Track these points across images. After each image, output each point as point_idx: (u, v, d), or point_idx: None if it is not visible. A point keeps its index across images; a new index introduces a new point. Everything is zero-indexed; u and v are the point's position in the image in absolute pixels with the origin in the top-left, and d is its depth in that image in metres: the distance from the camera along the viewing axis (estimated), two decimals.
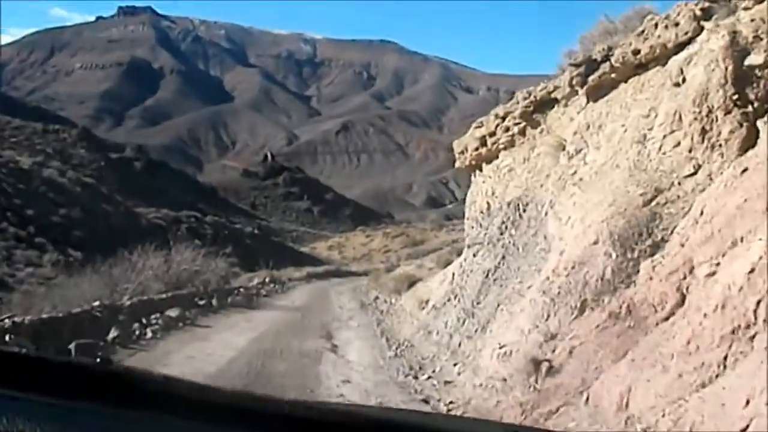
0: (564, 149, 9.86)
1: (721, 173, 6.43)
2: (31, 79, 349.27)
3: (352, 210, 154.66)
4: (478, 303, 9.91)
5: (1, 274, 29.14)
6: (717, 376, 4.21)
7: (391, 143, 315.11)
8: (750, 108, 6.57)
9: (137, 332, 12.13)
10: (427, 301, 14.54)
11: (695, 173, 6.84)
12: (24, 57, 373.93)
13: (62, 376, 1.28)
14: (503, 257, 10.02)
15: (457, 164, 13.77)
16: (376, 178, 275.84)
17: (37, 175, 48.31)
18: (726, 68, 6.65)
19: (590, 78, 9.33)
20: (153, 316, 13.47)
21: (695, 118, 6.98)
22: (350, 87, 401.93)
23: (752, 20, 6.84)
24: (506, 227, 10.41)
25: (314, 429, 1.30)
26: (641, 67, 8.77)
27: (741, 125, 6.55)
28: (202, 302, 17.16)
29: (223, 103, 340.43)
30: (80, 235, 42.44)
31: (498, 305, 8.84)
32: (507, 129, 11.41)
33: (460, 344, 9.58)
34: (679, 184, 6.99)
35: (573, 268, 7.06)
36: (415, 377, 9.56)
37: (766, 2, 6.83)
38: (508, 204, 10.64)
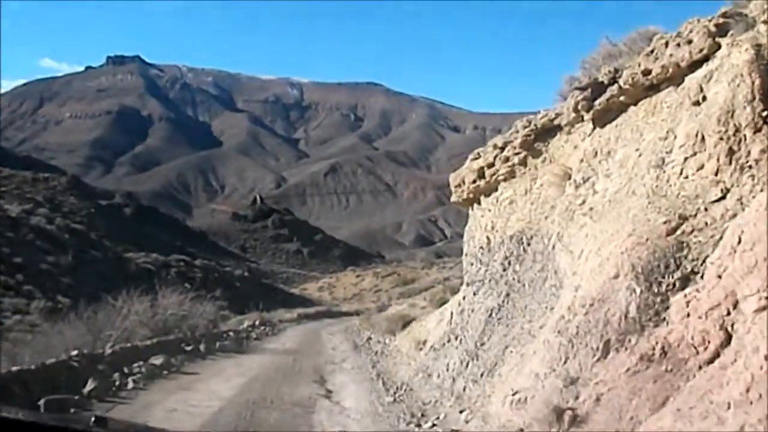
0: (570, 178, 9.29)
1: (754, 197, 5.84)
2: (22, 129, 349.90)
3: (342, 250, 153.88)
4: (482, 344, 9.22)
5: None
6: None
7: (380, 183, 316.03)
8: None
9: (117, 383, 11.28)
10: (424, 342, 13.82)
11: (723, 197, 6.25)
12: (14, 108, 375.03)
13: None
14: (507, 295, 9.36)
15: (454, 198, 13.17)
16: (365, 218, 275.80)
17: (25, 223, 47.66)
18: (752, 83, 6.13)
19: (597, 102, 8.82)
20: (136, 365, 12.64)
21: (720, 138, 6.42)
22: (338, 129, 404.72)
23: None
24: (509, 263, 9.77)
25: None
26: (653, 89, 8.26)
27: None
28: (189, 348, 16.30)
29: (212, 148, 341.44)
30: (68, 282, 41.84)
31: (506, 347, 8.16)
32: (506, 159, 10.86)
33: (465, 388, 8.86)
34: (706, 210, 6.39)
35: (592, 305, 6.41)
36: (418, 425, 8.79)
37: None
38: (511, 238, 10.02)
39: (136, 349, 13.61)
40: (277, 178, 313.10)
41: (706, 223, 6.34)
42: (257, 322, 28.89)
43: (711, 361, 4.70)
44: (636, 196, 7.34)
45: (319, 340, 24.03)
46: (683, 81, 7.85)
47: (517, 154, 10.62)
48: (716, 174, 6.53)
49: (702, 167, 6.70)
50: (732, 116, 6.29)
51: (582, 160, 9.17)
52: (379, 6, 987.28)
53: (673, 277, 6.03)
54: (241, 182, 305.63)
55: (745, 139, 6.16)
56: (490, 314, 9.51)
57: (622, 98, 8.61)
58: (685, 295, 5.66)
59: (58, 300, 36.24)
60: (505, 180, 11.05)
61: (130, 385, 11.45)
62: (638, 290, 6.14)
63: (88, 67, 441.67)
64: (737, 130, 6.24)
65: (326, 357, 17.57)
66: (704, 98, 7.01)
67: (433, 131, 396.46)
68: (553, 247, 8.63)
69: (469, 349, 9.50)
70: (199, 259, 72.56)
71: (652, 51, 8.43)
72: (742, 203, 6.01)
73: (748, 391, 3.92)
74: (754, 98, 6.12)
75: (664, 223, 6.52)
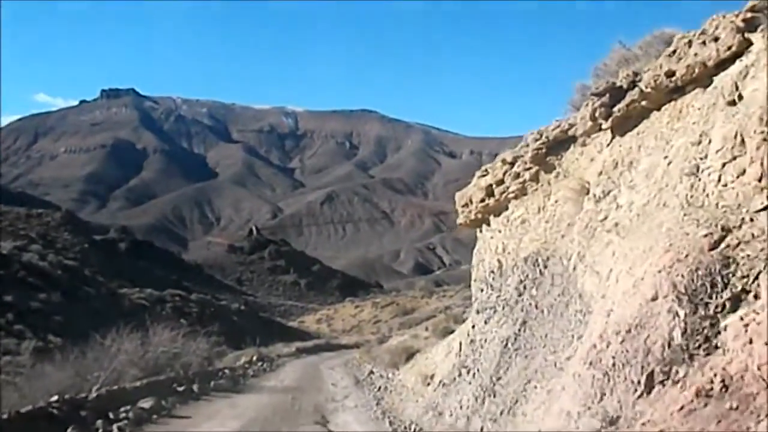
0: (588, 193, 8.54)
1: None
2: (16, 165, 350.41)
3: (340, 281, 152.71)
4: (498, 378, 8.39)
5: None
6: None
7: (376, 211, 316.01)
8: None
9: (100, 431, 10.38)
10: (432, 376, 12.94)
11: None
12: (9, 144, 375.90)
13: None
14: (524, 322, 8.55)
15: (460, 219, 12.37)
16: (362, 247, 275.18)
17: (16, 260, 46.69)
18: None
19: (616, 108, 8.11)
20: (123, 409, 11.73)
21: (764, 139, 5.69)
22: (333, 157, 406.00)
23: None
24: (525, 287, 8.97)
25: None
26: (677, 91, 7.56)
27: None
28: (181, 388, 15.35)
29: (207, 180, 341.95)
30: (60, 320, 40.77)
31: (527, 381, 7.33)
32: (517, 175, 10.11)
33: (482, 429, 8.00)
34: (752, 220, 5.63)
35: (628, 332, 5.61)
36: None
37: None
38: (525, 260, 9.23)
39: (123, 391, 12.67)
40: (273, 208, 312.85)
41: (753, 235, 5.58)
42: (254, 358, 27.93)
43: None
44: (668, 208, 6.59)
45: (319, 376, 23.10)
46: (711, 81, 7.18)
47: (528, 169, 9.87)
48: (760, 180, 5.80)
49: (743, 173, 5.96)
50: None
51: (601, 173, 8.43)
52: (373, 33, 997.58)
53: (721, 297, 5.24)
54: (236, 213, 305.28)
55: None
56: (506, 344, 8.68)
57: (643, 103, 7.90)
58: (742, 318, 4.88)
59: (50, 339, 35.27)
60: (516, 198, 10.29)
61: None
62: (682, 313, 5.35)
63: (82, 101, 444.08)
64: None
65: (327, 394, 16.66)
66: (740, 97, 6.31)
67: (428, 157, 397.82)
68: (574, 268, 7.85)
69: (484, 384, 8.66)
70: (194, 294, 71.53)
71: (674, 52, 7.75)
72: None
73: None
74: None
75: (705, 236, 5.75)
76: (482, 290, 10.87)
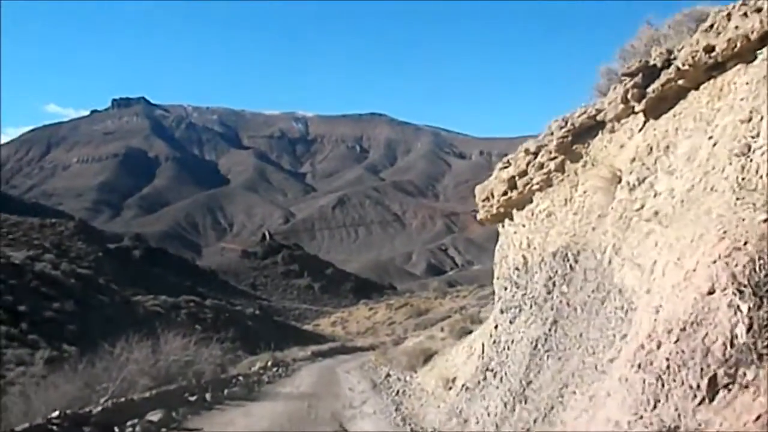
0: (620, 181, 7.92)
1: None
2: (29, 176, 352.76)
3: (353, 284, 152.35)
4: (529, 382, 7.78)
5: None
6: None
7: (388, 214, 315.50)
8: None
9: None
10: (453, 380, 12.34)
11: None
12: (22, 155, 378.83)
13: None
14: (555, 322, 7.94)
15: (481, 214, 11.74)
16: (374, 249, 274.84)
17: (29, 270, 46.47)
18: None
19: (650, 89, 7.48)
20: (129, 423, 11.18)
21: None
22: (344, 161, 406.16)
23: None
24: (554, 284, 8.36)
25: None
26: (717, 68, 6.94)
27: None
28: (193, 398, 14.78)
29: (219, 187, 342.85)
30: (74, 329, 40.48)
31: (563, 386, 6.72)
32: (541, 166, 9.49)
33: None
34: None
35: (683, 330, 5.00)
36: None
37: None
38: (553, 255, 8.61)
39: (131, 403, 12.09)
40: (286, 213, 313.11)
41: None
42: (269, 363, 27.38)
43: None
44: (717, 193, 5.97)
45: (335, 380, 22.51)
46: (755, 56, 6.56)
47: (552, 159, 9.25)
48: None
49: None
50: None
51: (634, 159, 7.82)
52: (380, 37, 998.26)
53: None
54: (249, 219, 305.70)
55: None
56: (536, 345, 8.08)
57: (680, 82, 7.28)
58: None
59: (64, 349, 34.97)
60: (540, 189, 9.67)
61: None
62: (744, 308, 4.74)
63: (93, 111, 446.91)
64: None
65: (344, 400, 16.06)
66: None
67: (438, 159, 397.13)
68: (610, 261, 7.24)
69: (514, 388, 8.06)
70: (209, 299, 71.18)
71: (711, 26, 7.13)
72: None
73: None
74: None
75: (766, 221, 5.15)
76: (506, 288, 10.25)
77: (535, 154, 9.63)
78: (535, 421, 6.93)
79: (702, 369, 4.71)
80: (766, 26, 6.50)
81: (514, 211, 10.62)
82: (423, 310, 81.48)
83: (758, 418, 4.01)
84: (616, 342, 6.05)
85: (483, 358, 10.88)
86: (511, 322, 9.69)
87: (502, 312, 10.27)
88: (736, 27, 6.79)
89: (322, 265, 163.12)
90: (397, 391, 17.02)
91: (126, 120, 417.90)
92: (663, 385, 4.95)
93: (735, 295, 4.80)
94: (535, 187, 9.74)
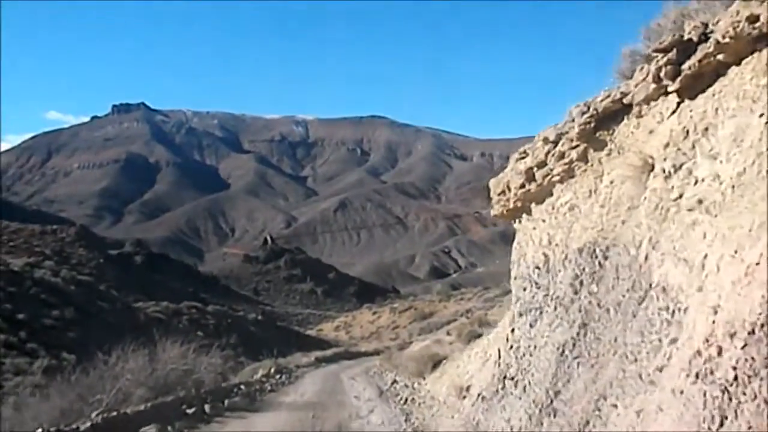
0: (652, 169, 7.19)
1: None
2: (31, 183, 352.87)
3: (357, 287, 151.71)
4: (557, 393, 7.04)
5: None
6: None
7: (390, 217, 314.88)
8: None
9: None
10: (467, 388, 11.59)
11: None
12: (23, 162, 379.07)
13: None
14: (584, 325, 7.20)
15: (495, 210, 10.97)
16: (377, 253, 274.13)
17: (28, 276, 45.82)
18: None
19: (686, 65, 6.76)
20: None
21: None
22: (344, 164, 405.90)
23: None
24: (581, 283, 7.62)
25: None
26: (762, 39, 6.20)
27: None
28: (191, 410, 13.98)
29: (220, 191, 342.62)
30: (74, 337, 39.81)
31: (599, 397, 5.98)
32: (562, 155, 8.75)
33: None
34: None
35: (751, 333, 4.28)
36: None
37: None
38: (580, 252, 7.86)
39: (123, 417, 11.25)
40: (287, 217, 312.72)
41: None
42: (272, 370, 26.65)
43: None
44: None
45: (340, 387, 21.76)
46: None
47: (574, 147, 8.50)
48: None
49: None
50: None
51: (667, 145, 7.08)
52: (380, 39, 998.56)
53: None
54: (251, 224, 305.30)
55: None
56: (562, 351, 7.33)
57: (720, 57, 6.55)
58: None
59: (63, 357, 34.30)
60: (561, 181, 8.92)
61: None
62: None
63: (93, 117, 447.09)
64: None
65: (350, 409, 15.28)
66: None
67: (439, 161, 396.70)
68: (646, 257, 6.50)
69: (539, 399, 7.32)
70: (211, 305, 70.58)
71: None
72: None
73: None
74: None
75: None
76: (525, 289, 9.50)
77: (555, 143, 8.88)
78: None
79: None
80: None
81: (533, 205, 9.87)
82: (427, 314, 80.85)
83: None
84: (663, 347, 5.32)
85: (500, 364, 10.14)
86: (531, 326, 8.95)
87: (520, 315, 9.52)
88: None
89: (324, 269, 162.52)
90: (406, 400, 16.26)
91: (126, 126, 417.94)
92: (730, 399, 4.22)
93: None
94: (556, 178, 8.99)
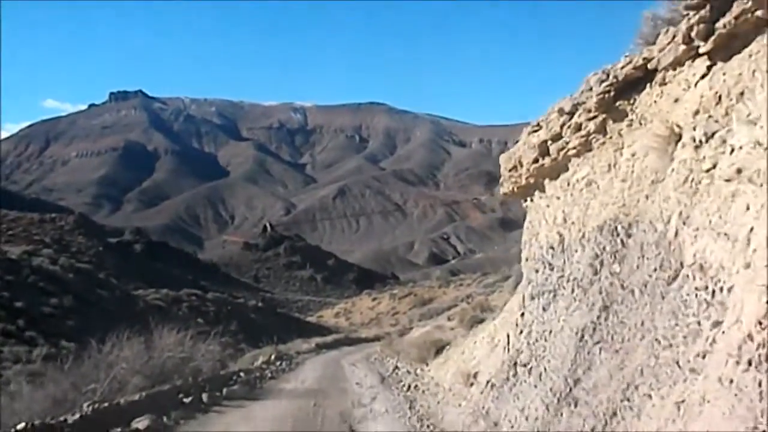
0: (680, 139, 6.64)
1: None
2: (29, 171, 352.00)
3: (356, 274, 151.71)
4: (577, 381, 6.53)
5: None
6: None
7: (389, 203, 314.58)
8: None
9: None
10: (475, 375, 11.09)
11: None
12: (21, 151, 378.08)
13: None
14: (605, 307, 6.67)
15: (506, 187, 10.38)
16: (376, 239, 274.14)
17: (26, 265, 45.36)
18: None
19: (720, 23, 6.19)
20: None
21: None
22: (343, 151, 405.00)
23: None
24: (602, 263, 7.08)
25: None
26: None
27: None
28: (188, 399, 13.45)
29: (219, 179, 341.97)
30: (73, 325, 39.45)
31: (627, 386, 5.46)
32: (578, 127, 8.17)
33: None
34: None
35: None
36: None
37: None
38: (600, 230, 7.31)
39: (116, 408, 10.66)
40: (286, 204, 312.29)
41: None
42: (272, 357, 26.22)
43: None
44: None
45: (341, 374, 21.31)
46: None
47: (592, 118, 7.92)
48: None
49: None
50: None
51: (697, 112, 6.52)
52: (379, 25, 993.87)
53: None
54: (250, 211, 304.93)
55: None
56: (582, 336, 6.81)
57: (758, 13, 5.98)
58: None
59: (62, 345, 33.93)
60: (578, 155, 8.35)
61: None
62: None
63: (91, 105, 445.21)
64: None
65: (352, 396, 14.79)
66: None
67: (438, 147, 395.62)
68: (676, 233, 5.96)
69: (557, 387, 6.80)
70: (211, 293, 70.22)
71: None
72: None
73: None
74: None
75: None
76: (537, 271, 8.96)
77: (571, 114, 8.29)
78: (592, 430, 5.67)
79: None
80: None
81: (546, 181, 9.28)
82: (427, 300, 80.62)
83: None
84: (704, 331, 4.78)
85: (509, 350, 9.64)
86: (544, 309, 8.43)
87: (532, 298, 8.98)
88: None
89: (324, 256, 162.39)
90: (409, 386, 15.78)
91: (124, 113, 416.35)
92: None
93: None
94: (572, 152, 8.41)
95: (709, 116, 6.41)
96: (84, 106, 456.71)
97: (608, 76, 7.80)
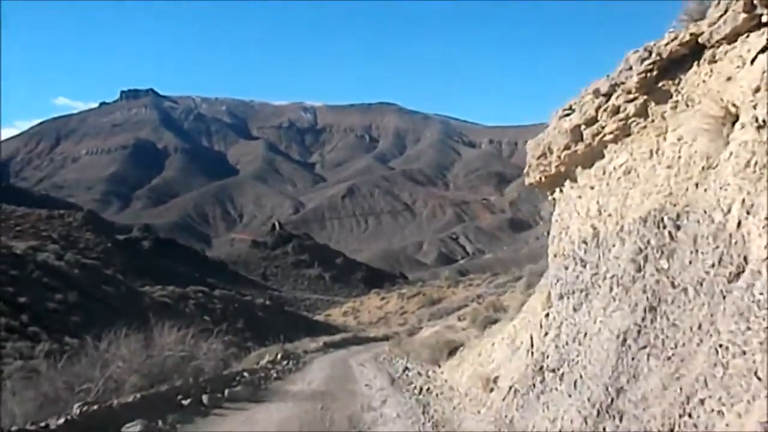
0: (736, 120, 5.88)
1: None
2: (39, 168, 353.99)
3: (364, 273, 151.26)
4: (619, 390, 5.77)
5: None
6: None
7: (398, 203, 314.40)
8: None
9: None
10: (495, 379, 10.33)
11: None
12: (31, 147, 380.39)
13: None
14: (652, 308, 5.91)
15: (532, 177, 9.56)
16: (385, 239, 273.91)
17: (31, 260, 44.94)
18: None
19: None
20: None
21: None
22: (353, 151, 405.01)
23: None
24: (646, 258, 6.32)
25: None
26: None
27: None
28: (187, 401, 12.68)
29: (229, 177, 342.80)
30: (77, 321, 38.99)
31: (687, 398, 4.70)
32: (616, 110, 7.39)
33: None
34: None
35: None
36: None
37: None
38: (643, 221, 6.54)
39: (108, 411, 9.85)
40: (295, 203, 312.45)
41: None
42: (279, 356, 25.52)
43: None
44: None
45: (350, 375, 20.59)
46: None
47: (632, 100, 7.14)
48: None
49: None
50: None
51: (757, 89, 5.76)
52: (390, 25, 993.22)
53: None
54: (259, 209, 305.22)
55: None
56: (624, 340, 6.05)
57: None
58: None
59: (66, 341, 33.43)
60: (615, 140, 7.56)
61: None
62: None
63: (102, 103, 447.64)
64: None
65: (362, 399, 14.04)
66: None
67: (448, 148, 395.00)
68: (738, 224, 5.20)
69: (596, 397, 6.05)
70: (218, 290, 69.71)
71: None
72: None
73: None
74: None
75: None
76: (567, 268, 8.19)
77: (608, 96, 7.50)
78: None
79: None
80: None
81: (578, 170, 8.48)
82: (436, 299, 79.88)
83: None
84: None
85: (533, 353, 8.88)
86: (575, 309, 7.67)
87: (561, 297, 8.22)
88: None
89: (332, 254, 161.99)
90: (420, 389, 15.02)
91: (135, 112, 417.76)
92: None
93: None
94: (608, 137, 7.61)
95: None
96: (95, 104, 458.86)
97: (651, 53, 7.02)
